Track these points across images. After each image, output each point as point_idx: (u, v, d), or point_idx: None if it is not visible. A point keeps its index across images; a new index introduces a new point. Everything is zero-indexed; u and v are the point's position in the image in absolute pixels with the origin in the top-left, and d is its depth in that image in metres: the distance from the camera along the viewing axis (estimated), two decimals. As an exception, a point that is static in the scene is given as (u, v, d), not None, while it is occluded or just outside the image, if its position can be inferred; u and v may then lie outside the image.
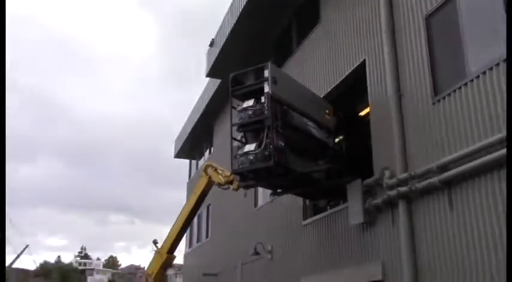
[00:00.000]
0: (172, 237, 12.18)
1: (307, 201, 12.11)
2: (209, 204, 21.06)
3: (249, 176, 9.58)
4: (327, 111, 10.50)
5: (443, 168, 7.32)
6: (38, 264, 79.53)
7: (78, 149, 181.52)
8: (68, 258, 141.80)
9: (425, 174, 7.70)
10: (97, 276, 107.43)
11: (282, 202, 12.85)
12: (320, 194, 10.99)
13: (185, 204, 12.59)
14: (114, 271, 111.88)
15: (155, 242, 12.48)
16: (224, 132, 18.60)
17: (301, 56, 13.41)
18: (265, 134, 8.71)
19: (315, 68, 12.43)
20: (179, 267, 41.08)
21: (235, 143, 9.37)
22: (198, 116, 22.85)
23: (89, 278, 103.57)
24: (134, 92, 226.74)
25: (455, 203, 7.18)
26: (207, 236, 21.77)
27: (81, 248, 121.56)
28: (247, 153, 8.89)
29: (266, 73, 8.95)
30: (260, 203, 15.34)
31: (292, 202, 12.48)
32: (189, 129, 24.75)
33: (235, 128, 9.28)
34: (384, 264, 8.66)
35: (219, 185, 11.58)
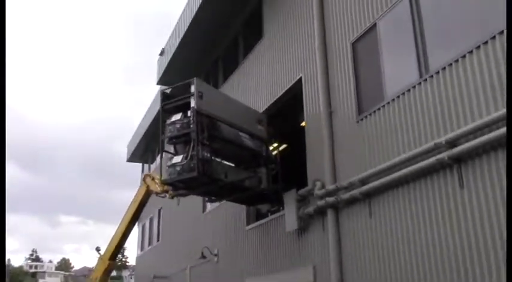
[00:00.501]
0: (113, 244, 12.54)
1: (251, 208, 12.78)
2: (161, 208, 21.48)
3: (179, 186, 10.18)
4: (260, 122, 11.24)
5: (364, 181, 8.14)
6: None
7: (27, 152, 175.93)
8: (18, 261, 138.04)
9: (350, 186, 8.51)
10: (49, 279, 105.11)
11: (228, 208, 13.49)
12: (254, 200, 11.69)
13: (126, 212, 12.98)
14: (66, 273, 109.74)
15: (98, 249, 12.91)
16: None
17: (247, 68, 14.07)
18: (191, 146, 9.30)
19: (259, 80, 13.11)
20: (134, 268, 41.18)
21: (169, 155, 9.94)
22: (150, 120, 23.18)
23: (40, 281, 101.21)
24: (88, 95, 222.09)
25: (373, 212, 8.01)
26: (158, 239, 22.16)
27: (32, 251, 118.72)
28: (174, 164, 9.48)
29: (193, 88, 9.56)
30: (208, 208, 15.92)
31: (238, 208, 13.12)
32: (141, 134, 25.04)
33: (166, 140, 9.86)
34: (315, 267, 9.44)
35: (157, 193, 12.04)
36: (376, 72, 8.40)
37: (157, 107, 21.94)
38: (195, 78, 9.74)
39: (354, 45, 9.08)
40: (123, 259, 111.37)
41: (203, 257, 14.17)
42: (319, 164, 9.59)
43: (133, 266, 40.28)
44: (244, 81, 14.06)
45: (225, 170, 10.11)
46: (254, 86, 13.34)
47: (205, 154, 9.40)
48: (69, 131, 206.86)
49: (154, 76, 19.78)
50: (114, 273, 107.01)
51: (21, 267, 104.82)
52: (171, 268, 18.51)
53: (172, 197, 11.31)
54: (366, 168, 8.23)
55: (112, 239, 12.80)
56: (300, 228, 9.92)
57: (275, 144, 14.84)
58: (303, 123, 12.70)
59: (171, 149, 10.01)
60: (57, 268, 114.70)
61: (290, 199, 10.14)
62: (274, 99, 12.11)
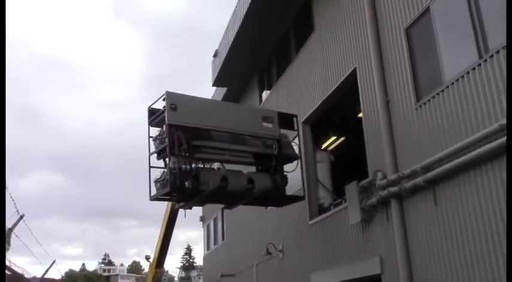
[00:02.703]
0: (156, 254, 12.98)
1: (312, 202, 12.76)
2: (223, 207, 21.84)
3: (173, 199, 10.33)
4: (266, 119, 10.67)
5: (427, 168, 7.97)
6: (63, 273, 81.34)
7: (69, 159, 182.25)
8: (92, 265, 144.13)
9: (412, 174, 8.36)
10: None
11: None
12: (276, 202, 11.65)
13: (161, 226, 13.29)
14: (138, 275, 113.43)
15: (147, 258, 13.45)
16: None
17: (300, 63, 14.09)
18: (168, 160, 9.27)
19: (312, 75, 13.09)
20: (201, 268, 42.10)
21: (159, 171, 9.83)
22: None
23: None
24: (120, 99, 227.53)
25: (439, 200, 7.83)
26: (223, 238, 22.54)
27: (105, 255, 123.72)
28: (156, 180, 9.58)
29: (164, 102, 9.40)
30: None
31: (300, 204, 13.15)
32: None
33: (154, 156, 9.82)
34: (382, 258, 9.33)
35: (179, 207, 12.02)
36: (432, 57, 8.21)
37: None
38: (166, 91, 9.57)
39: (407, 31, 8.91)
40: (190, 260, 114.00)
41: (268, 253, 14.31)
42: (379, 154, 9.48)
43: (201, 266, 41.26)
44: (298, 77, 14.08)
45: (219, 176, 9.78)
46: (307, 81, 13.33)
47: (184, 166, 9.20)
48: (109, 137, 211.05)
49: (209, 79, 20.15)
50: (182, 274, 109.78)
51: (95, 271, 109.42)
52: (237, 266, 18.79)
53: (190, 208, 11.29)
54: (428, 155, 8.05)
55: (155, 249, 13.28)
56: (363, 220, 9.84)
57: (331, 139, 14.83)
58: (360, 115, 12.64)
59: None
60: (128, 271, 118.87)
61: (352, 191, 10.07)
62: (329, 92, 12.05)
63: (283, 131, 11.01)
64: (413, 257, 8.47)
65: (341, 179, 11.86)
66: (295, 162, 11.06)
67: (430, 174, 7.88)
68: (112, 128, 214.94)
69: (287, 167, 10.94)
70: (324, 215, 11.99)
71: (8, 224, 4.74)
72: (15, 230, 4.86)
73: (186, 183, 9.32)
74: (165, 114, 9.29)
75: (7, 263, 5.80)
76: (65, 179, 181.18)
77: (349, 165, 12.77)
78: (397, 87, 9.14)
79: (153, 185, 9.82)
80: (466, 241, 7.19)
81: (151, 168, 9.82)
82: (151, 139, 9.91)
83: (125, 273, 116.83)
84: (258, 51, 17.02)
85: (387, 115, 9.30)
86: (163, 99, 9.43)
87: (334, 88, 11.85)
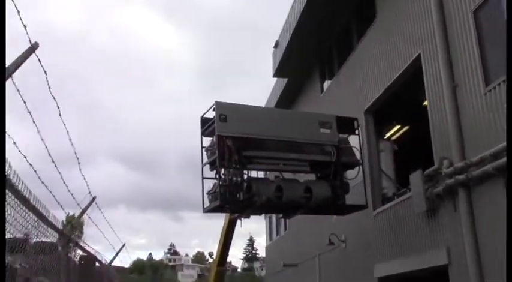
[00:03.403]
0: (218, 254, 13.11)
1: (375, 192, 12.58)
2: (281, 217, 21.95)
3: (225, 211, 10.21)
4: (324, 125, 10.17)
5: (497, 155, 7.66)
6: (131, 262, 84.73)
7: (130, 151, 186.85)
8: (158, 255, 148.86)
9: (481, 162, 8.06)
10: (186, 271, 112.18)
11: (351, 194, 13.40)
12: (333, 210, 11.37)
13: (222, 230, 13.30)
14: (202, 266, 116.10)
15: (211, 255, 13.62)
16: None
17: (361, 53, 13.87)
18: (217, 173, 9.05)
19: (374, 64, 12.86)
20: (264, 259, 42.55)
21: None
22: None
23: (179, 273, 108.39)
24: (178, 95, 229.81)
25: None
26: (285, 229, 22.66)
27: (170, 245, 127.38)
28: (208, 193, 9.41)
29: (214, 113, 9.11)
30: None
31: (362, 193, 12.99)
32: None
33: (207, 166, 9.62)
34: (449, 249, 9.08)
35: (234, 218, 11.86)
36: (502, 39, 7.85)
37: (274, 100, 22.54)
38: (215, 101, 9.30)
39: (475, 13, 8.56)
40: (253, 251, 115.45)
41: (331, 243, 14.25)
42: (445, 141, 9.20)
43: (263, 257, 41.59)
44: (359, 66, 13.87)
45: (273, 187, 9.47)
46: (369, 70, 13.10)
47: (235, 179, 8.99)
48: (170, 132, 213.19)
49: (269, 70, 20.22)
50: (245, 265, 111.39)
51: (161, 260, 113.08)
52: (299, 256, 18.86)
53: (240, 219, 10.92)
54: (498, 141, 7.74)
55: (217, 249, 13.47)
56: (429, 210, 9.59)
57: (395, 128, 14.52)
58: (425, 102, 12.31)
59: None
60: (192, 261, 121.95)
61: (416, 180, 9.84)
62: (392, 80, 11.80)
63: (342, 136, 10.54)
64: (483, 248, 8.18)
65: (405, 168, 11.60)
66: (356, 168, 10.56)
67: (500, 161, 7.57)
68: (169, 120, 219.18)
69: (349, 174, 10.55)
70: (387, 205, 11.79)
71: (81, 205, 4.95)
72: (88, 211, 5.10)
73: (238, 194, 9.13)
74: (215, 125, 9.11)
75: (82, 244, 6.05)
76: (127, 171, 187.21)
77: (414, 154, 12.46)
78: (465, 71, 8.82)
79: (206, 196, 9.65)
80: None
81: (204, 180, 9.65)
82: (203, 150, 9.73)
83: (190, 263, 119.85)
84: (319, 41, 16.90)
85: (454, 100, 9.00)
86: (214, 110, 9.24)
87: (397, 75, 11.58)
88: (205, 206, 9.68)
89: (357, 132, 11.07)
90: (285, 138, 9.84)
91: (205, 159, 9.73)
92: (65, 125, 3.82)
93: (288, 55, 18.08)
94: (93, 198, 4.83)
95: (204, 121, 9.77)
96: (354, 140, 11.01)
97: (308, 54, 17.64)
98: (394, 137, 14.50)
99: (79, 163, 4.25)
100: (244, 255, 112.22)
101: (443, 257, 9.17)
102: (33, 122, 3.13)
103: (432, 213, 9.66)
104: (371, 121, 13.10)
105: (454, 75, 9.13)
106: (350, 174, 10.65)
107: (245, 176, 9.47)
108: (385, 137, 14.06)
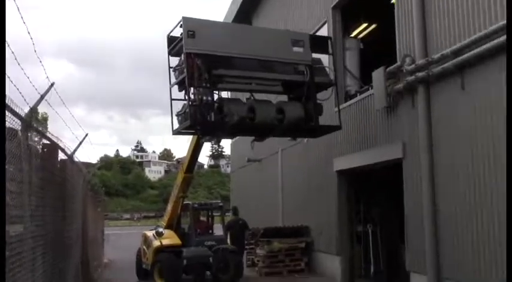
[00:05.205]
0: (186, 161, 13.12)
1: (338, 89, 12.72)
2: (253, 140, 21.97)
3: (196, 133, 9.92)
4: (297, 43, 9.78)
5: (457, 53, 7.79)
6: (98, 158, 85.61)
7: (80, 50, 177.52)
8: (125, 152, 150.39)
9: (442, 59, 8.19)
10: (154, 168, 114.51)
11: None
12: (306, 132, 11.20)
13: (190, 142, 13.14)
14: (169, 162, 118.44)
15: (178, 161, 13.53)
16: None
17: None
18: (186, 92, 8.72)
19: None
20: (229, 157, 43.65)
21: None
22: (235, 11, 22.96)
23: (146, 170, 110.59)
24: None
25: (466, 85, 7.74)
26: (250, 126, 22.98)
27: (137, 142, 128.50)
28: (178, 114, 9.12)
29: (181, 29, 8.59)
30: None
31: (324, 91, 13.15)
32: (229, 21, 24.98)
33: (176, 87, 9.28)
34: (404, 144, 9.49)
35: (204, 141, 11.72)
36: None
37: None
38: (182, 16, 8.77)
39: None
40: (219, 149, 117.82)
41: (293, 139, 14.62)
42: (409, 38, 9.26)
43: (229, 155, 42.47)
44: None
45: (245, 107, 9.28)
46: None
47: (206, 98, 8.70)
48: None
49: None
50: (212, 163, 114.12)
51: (129, 157, 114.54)
52: (263, 152, 19.37)
53: (210, 142, 10.91)
54: (458, 39, 7.83)
55: (185, 158, 13.42)
56: (388, 106, 9.86)
57: (362, 26, 14.38)
58: (393, 0, 12.14)
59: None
60: (159, 158, 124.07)
61: (378, 77, 9.99)
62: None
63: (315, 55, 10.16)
64: (436, 143, 8.58)
65: (370, 67, 11.71)
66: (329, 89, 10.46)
67: (460, 58, 7.72)
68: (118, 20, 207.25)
69: (320, 95, 10.32)
70: (349, 102, 12.04)
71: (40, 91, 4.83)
72: (47, 97, 4.99)
73: (209, 115, 8.89)
74: (183, 42, 8.67)
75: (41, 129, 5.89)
76: (80, 70, 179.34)
77: (379, 53, 12.52)
78: (434, -33, 8.64)
79: (175, 118, 9.42)
80: (491, 128, 7.21)
81: (172, 101, 9.38)
82: (171, 70, 9.38)
83: (157, 160, 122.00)
84: None
85: (421, -2, 8.91)
86: (181, 26, 8.75)
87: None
88: (174, 128, 9.45)
89: (331, 51, 10.74)
90: (257, 56, 9.44)
91: (173, 80, 9.34)
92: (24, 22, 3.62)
93: None
94: (52, 84, 4.74)
95: (171, 39, 9.30)
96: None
97: None
98: (360, 36, 14.42)
99: (34, 44, 4.09)
100: (211, 153, 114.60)
101: (399, 151, 9.61)
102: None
103: (391, 110, 9.95)
104: (338, 18, 12.92)
105: (423, -30, 8.94)
106: (322, 95, 10.45)
107: (216, 97, 9.20)
108: (352, 35, 13.98)
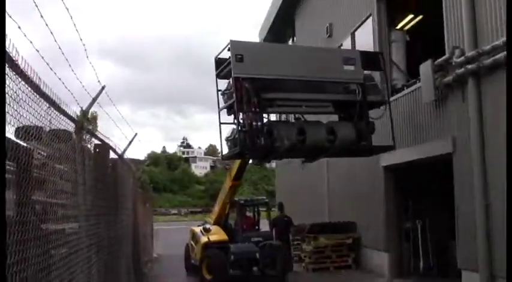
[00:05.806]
0: (234, 169, 13.03)
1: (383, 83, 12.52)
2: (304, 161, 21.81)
3: (246, 158, 9.84)
4: (348, 62, 9.55)
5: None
6: (145, 155, 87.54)
7: (121, 50, 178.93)
8: (172, 148, 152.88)
9: (493, 50, 7.92)
10: (200, 163, 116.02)
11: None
12: (359, 152, 10.79)
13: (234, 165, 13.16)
14: (214, 158, 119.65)
15: (226, 168, 13.65)
16: (306, 25, 18.86)
17: None
18: (235, 117, 8.54)
19: None
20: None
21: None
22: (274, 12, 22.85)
23: (192, 165, 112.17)
24: None
25: (520, 77, 7.45)
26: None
27: (183, 139, 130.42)
28: (227, 139, 9.01)
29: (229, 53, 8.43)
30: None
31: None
32: (270, 21, 24.95)
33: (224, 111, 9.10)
34: (454, 138, 9.24)
35: (254, 164, 11.65)
36: None
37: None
38: (230, 39, 8.62)
39: None
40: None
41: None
42: (458, 30, 8.99)
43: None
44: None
45: (295, 130, 9.02)
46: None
47: (255, 123, 8.48)
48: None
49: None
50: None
51: (175, 153, 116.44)
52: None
53: (260, 165, 10.91)
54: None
55: (234, 165, 13.40)
56: (437, 99, 9.63)
57: (408, 18, 14.05)
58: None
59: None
60: (205, 154, 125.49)
61: (426, 70, 9.75)
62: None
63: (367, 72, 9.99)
64: (488, 138, 8.31)
65: (416, 60, 11.45)
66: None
67: (512, 50, 7.43)
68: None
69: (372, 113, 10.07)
70: (397, 95, 11.80)
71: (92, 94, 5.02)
72: (99, 99, 5.19)
73: (259, 140, 8.70)
74: (231, 66, 8.55)
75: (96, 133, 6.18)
76: (123, 69, 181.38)
77: (425, 45, 12.23)
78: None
79: (224, 142, 9.35)
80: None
81: (221, 125, 9.27)
82: (219, 93, 9.27)
83: (203, 155, 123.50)
84: None
85: (470, -12, 8.62)
86: (228, 50, 8.64)
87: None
88: (223, 153, 9.45)
89: (383, 67, 10.45)
90: (307, 77, 9.24)
91: (222, 104, 9.24)
92: (71, 17, 3.72)
93: None
94: (103, 88, 4.89)
95: (219, 62, 9.20)
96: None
97: None
98: (406, 28, 14.10)
99: (86, 49, 4.21)
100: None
101: (448, 146, 9.36)
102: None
103: (440, 103, 9.71)
104: (383, 9, 12.68)
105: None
106: (373, 113, 10.20)
107: (265, 120, 9.06)
108: (398, 28, 13.69)
